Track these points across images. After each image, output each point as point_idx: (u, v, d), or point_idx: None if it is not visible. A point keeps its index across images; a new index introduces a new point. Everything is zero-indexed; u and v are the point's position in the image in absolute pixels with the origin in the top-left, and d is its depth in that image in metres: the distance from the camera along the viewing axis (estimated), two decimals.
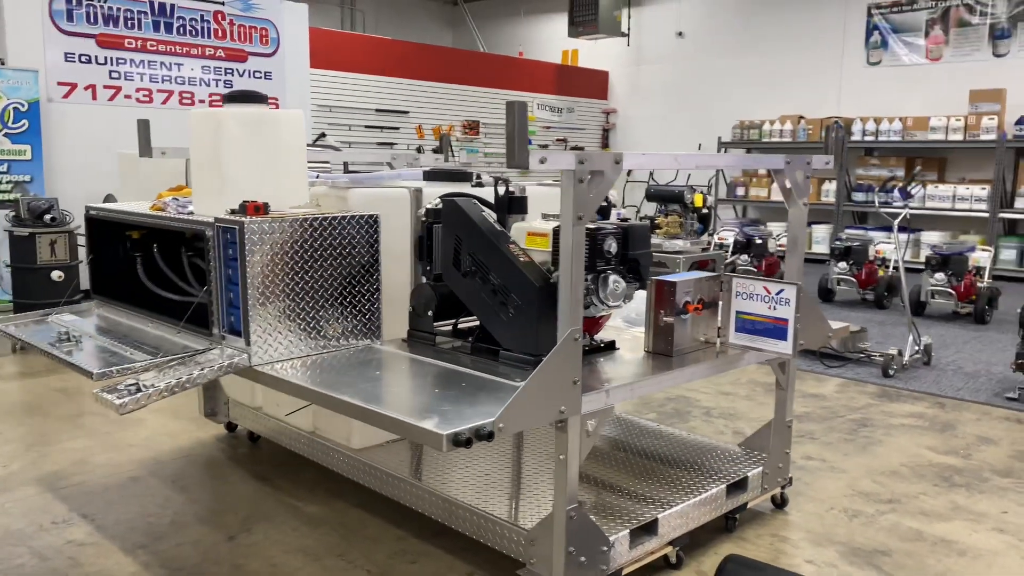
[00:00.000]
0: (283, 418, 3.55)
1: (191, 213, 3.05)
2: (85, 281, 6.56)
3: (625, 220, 2.91)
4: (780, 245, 9.29)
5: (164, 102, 8.21)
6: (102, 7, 7.71)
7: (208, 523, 3.18)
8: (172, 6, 8.17)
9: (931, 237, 10.68)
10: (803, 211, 3.14)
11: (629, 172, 14.54)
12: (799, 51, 12.50)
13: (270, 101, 9.07)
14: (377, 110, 11.53)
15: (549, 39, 15.40)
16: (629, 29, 14.17)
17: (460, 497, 2.80)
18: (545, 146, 13.94)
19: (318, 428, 3.42)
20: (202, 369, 2.61)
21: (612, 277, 2.61)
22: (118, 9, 7.82)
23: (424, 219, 3.03)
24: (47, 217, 5.69)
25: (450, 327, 3.05)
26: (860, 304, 8.20)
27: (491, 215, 2.88)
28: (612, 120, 14.98)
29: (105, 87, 7.81)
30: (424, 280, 3.08)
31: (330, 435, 3.33)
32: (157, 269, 3.59)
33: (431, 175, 3.62)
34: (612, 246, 2.61)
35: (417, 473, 3.10)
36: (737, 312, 2.97)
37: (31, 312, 3.57)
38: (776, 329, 2.88)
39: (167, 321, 3.19)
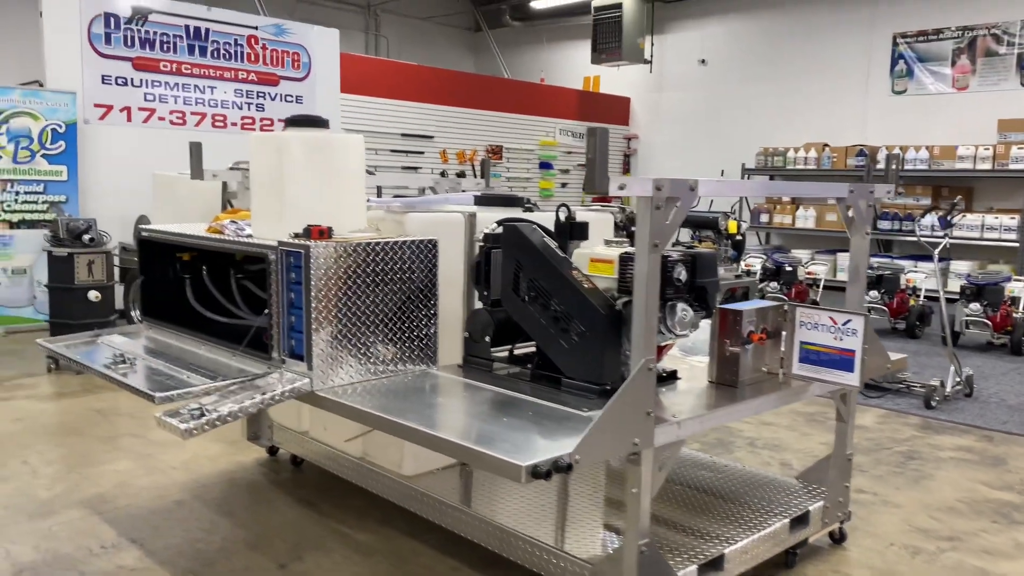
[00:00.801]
0: (332, 443, 3.51)
1: (249, 236, 3.04)
2: (119, 301, 6.59)
3: (692, 246, 2.88)
4: (808, 272, 9.24)
5: (197, 124, 8.28)
6: (139, 31, 7.80)
7: (257, 549, 3.13)
8: (207, 30, 8.26)
9: (959, 266, 10.59)
10: (866, 241, 3.10)
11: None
12: (823, 79, 12.49)
13: None
14: (403, 135, 11.59)
15: (571, 65, 15.47)
16: (652, 56, 14.22)
17: (513, 526, 2.75)
18: (567, 171, 13.97)
19: (368, 454, 3.38)
20: (263, 394, 2.59)
21: (680, 305, 2.57)
22: (154, 33, 7.92)
23: (482, 244, 3.00)
24: (85, 237, 5.71)
25: (505, 353, 3.03)
26: (891, 333, 8.11)
27: (551, 241, 2.86)
28: (633, 146, 15.00)
29: (140, 109, 7.89)
30: (480, 306, 3.04)
31: (381, 461, 3.29)
32: (207, 291, 3.59)
33: (483, 200, 3.61)
34: (681, 274, 2.57)
35: (467, 500, 3.06)
36: (801, 342, 2.91)
37: (80, 333, 3.56)
38: (842, 360, 2.82)
39: (219, 344, 3.17)
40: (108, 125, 7.67)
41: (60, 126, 7.16)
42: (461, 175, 12.41)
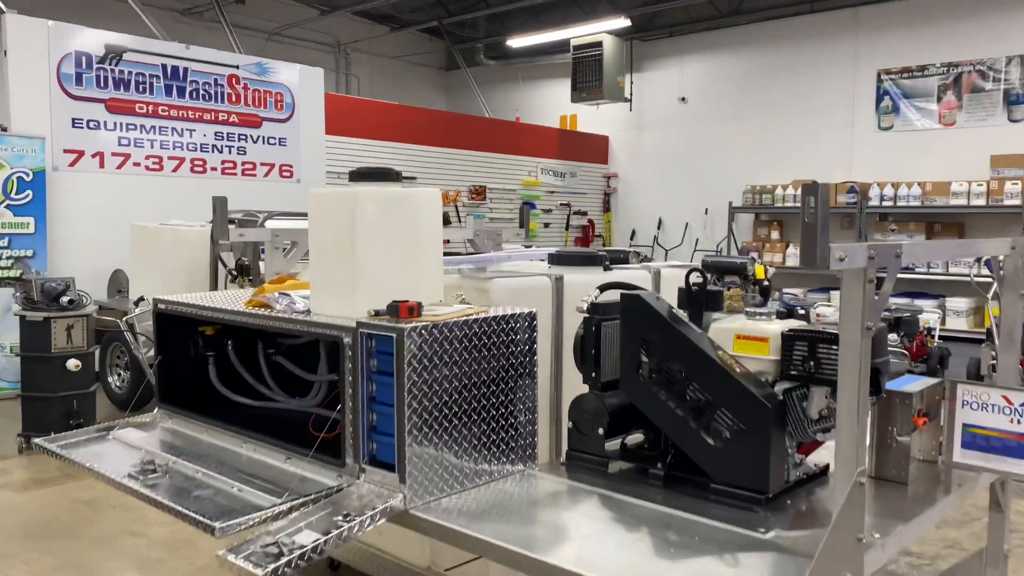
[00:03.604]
0: (388, 549, 2.96)
1: (307, 312, 2.52)
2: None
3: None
4: (818, 315, 8.94)
5: (175, 170, 7.69)
6: (113, 71, 7.22)
7: None
8: (185, 69, 7.72)
9: (956, 303, 10.44)
10: (1020, 303, 2.71)
11: (633, 235, 14.27)
12: (807, 116, 12.37)
13: (283, 168, 8.65)
14: None
15: (547, 104, 15.19)
16: (631, 94, 14.02)
17: None
18: (549, 210, 13.61)
19: (436, 564, 2.84)
20: (346, 517, 2.06)
21: None
22: (129, 73, 7.34)
23: (587, 315, 2.53)
24: (64, 299, 5.07)
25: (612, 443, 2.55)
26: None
27: (681, 312, 2.41)
28: (613, 184, 14.73)
29: (114, 154, 7.28)
30: (589, 390, 2.56)
31: (457, 572, 2.75)
32: (234, 371, 3.05)
33: (559, 259, 3.14)
34: None
35: None
36: (964, 425, 2.49)
37: (84, 429, 2.98)
38: (1021, 447, 2.40)
39: (262, 441, 2.63)
40: (79, 172, 7.04)
41: (27, 174, 6.51)
42: (445, 218, 11.96)
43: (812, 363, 2.13)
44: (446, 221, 12.07)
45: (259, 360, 3.04)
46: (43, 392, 5.02)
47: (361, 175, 2.50)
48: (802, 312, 8.89)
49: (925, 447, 2.52)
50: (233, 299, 2.92)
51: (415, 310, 2.22)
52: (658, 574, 1.77)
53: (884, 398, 2.34)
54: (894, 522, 2.06)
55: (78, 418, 4.98)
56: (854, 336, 1.79)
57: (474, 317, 2.29)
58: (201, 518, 2.04)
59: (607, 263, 3.17)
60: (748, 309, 2.41)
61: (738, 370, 2.20)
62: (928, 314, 8.17)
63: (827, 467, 2.41)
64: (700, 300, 2.44)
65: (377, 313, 2.25)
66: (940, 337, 9.37)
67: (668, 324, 2.29)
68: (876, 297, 1.83)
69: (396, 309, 2.20)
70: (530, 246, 7.57)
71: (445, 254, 3.77)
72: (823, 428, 2.18)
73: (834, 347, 2.07)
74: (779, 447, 2.14)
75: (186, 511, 2.10)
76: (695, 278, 2.47)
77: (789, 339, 2.17)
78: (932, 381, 2.50)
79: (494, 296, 2.59)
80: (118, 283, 6.77)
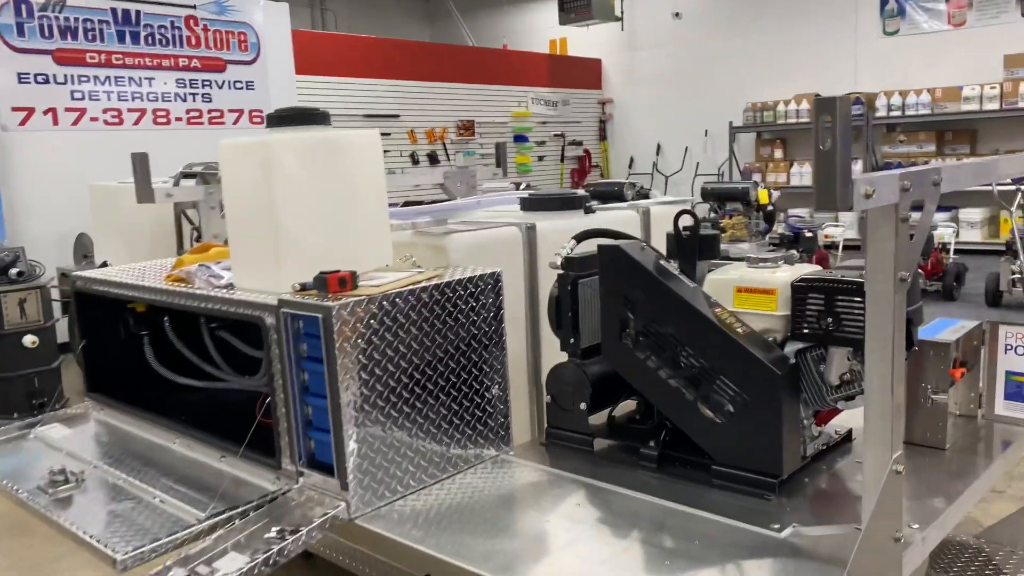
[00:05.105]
0: None
1: (230, 287, 2.14)
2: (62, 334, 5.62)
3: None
4: (826, 236, 8.55)
5: (136, 122, 7.20)
6: (57, 18, 6.69)
7: None
8: (137, 12, 7.16)
9: (971, 214, 10.03)
10: None
11: (631, 163, 13.76)
12: (807, 25, 11.71)
13: (254, 114, 8.15)
14: (365, 115, 10.56)
15: (535, 29, 14.49)
16: (622, 13, 13.31)
17: None
18: (543, 143, 13.06)
19: None
20: (279, 534, 1.72)
21: None
22: (76, 20, 6.80)
23: (561, 271, 2.15)
24: (13, 271, 4.71)
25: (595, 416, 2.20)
26: (925, 296, 7.44)
27: (671, 264, 2.02)
28: (608, 110, 14.13)
29: (67, 110, 6.79)
30: (569, 359, 2.19)
31: None
32: (173, 351, 2.69)
33: (533, 203, 2.74)
34: None
35: None
36: (1007, 372, 2.13)
37: (6, 427, 2.63)
38: None
39: (198, 437, 2.29)
40: (31, 131, 6.57)
41: None
42: (432, 156, 11.47)
43: (830, 319, 1.75)
44: (434, 160, 11.58)
45: (201, 336, 2.68)
46: (1, 372, 4.70)
47: (279, 119, 2.08)
48: (809, 235, 8.46)
49: (962, 400, 2.16)
50: (155, 272, 2.55)
51: (347, 282, 1.84)
52: None
53: (916, 351, 1.98)
54: (934, 503, 1.71)
55: (41, 396, 4.67)
56: (885, 290, 1.41)
57: (422, 285, 1.91)
58: (102, 547, 1.71)
59: (589, 205, 2.77)
60: (750, 256, 2.01)
61: (740, 330, 1.82)
62: (942, 228, 7.74)
63: (850, 432, 2.06)
64: (692, 247, 2.05)
65: (303, 287, 1.88)
66: (961, 251, 8.97)
67: (654, 279, 1.91)
68: (912, 239, 1.44)
69: (324, 282, 1.82)
70: (520, 183, 7.12)
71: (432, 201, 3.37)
72: (845, 395, 1.82)
73: (856, 299, 1.71)
74: (792, 420, 1.78)
75: (86, 538, 1.77)
76: (685, 221, 2.08)
77: (801, 290, 1.79)
78: (969, 325, 2.12)
79: (453, 254, 2.20)
80: (83, 247, 6.38)
